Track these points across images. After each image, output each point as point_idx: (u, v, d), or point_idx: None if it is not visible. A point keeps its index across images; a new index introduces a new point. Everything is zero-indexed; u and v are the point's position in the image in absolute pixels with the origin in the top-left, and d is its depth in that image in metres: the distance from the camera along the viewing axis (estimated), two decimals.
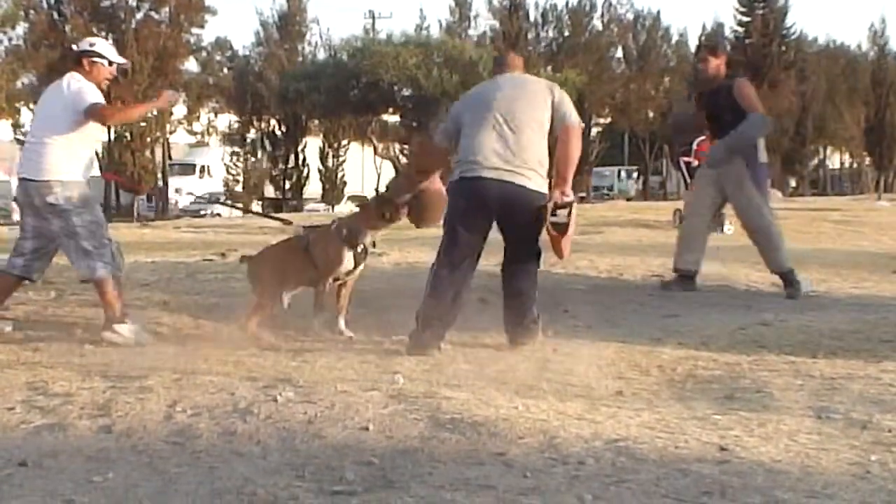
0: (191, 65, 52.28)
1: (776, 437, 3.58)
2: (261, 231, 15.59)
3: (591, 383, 4.68)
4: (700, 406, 4.14)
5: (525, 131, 5.47)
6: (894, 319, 6.21)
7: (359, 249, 5.88)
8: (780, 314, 6.61)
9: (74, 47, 6.18)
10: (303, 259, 5.93)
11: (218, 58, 56.74)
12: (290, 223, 6.77)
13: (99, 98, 5.86)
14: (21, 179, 5.91)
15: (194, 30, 49.49)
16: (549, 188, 5.55)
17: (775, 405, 4.14)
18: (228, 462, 3.30)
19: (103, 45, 6.14)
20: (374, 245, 6.09)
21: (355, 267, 5.92)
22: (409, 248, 10.46)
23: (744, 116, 7.59)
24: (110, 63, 6.08)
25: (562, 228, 5.48)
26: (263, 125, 54.51)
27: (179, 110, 53.53)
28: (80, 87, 5.83)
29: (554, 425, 3.65)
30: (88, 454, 3.41)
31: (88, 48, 6.04)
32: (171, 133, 52.20)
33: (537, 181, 5.47)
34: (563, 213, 5.47)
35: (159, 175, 47.86)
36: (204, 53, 54.18)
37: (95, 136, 6.01)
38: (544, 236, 5.52)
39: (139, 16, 46.82)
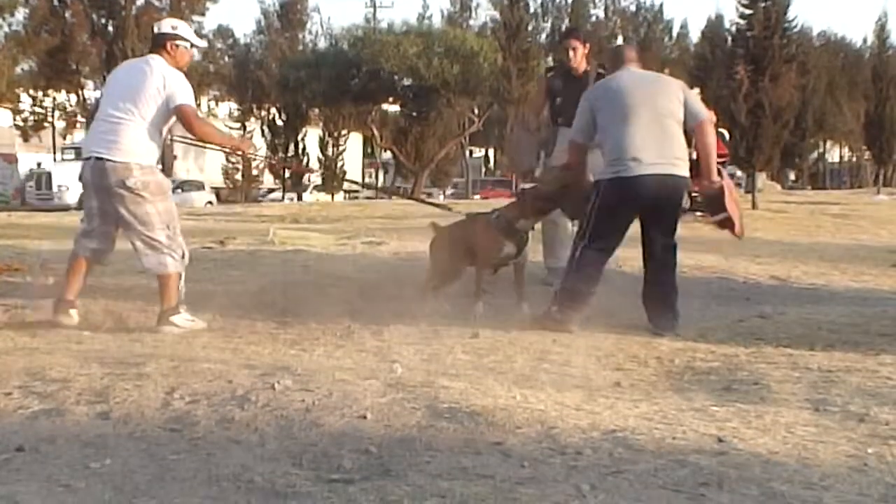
0: None
1: (774, 429, 3.58)
2: (260, 219, 15.60)
3: (590, 374, 4.68)
4: (698, 398, 4.14)
5: (670, 126, 5.75)
6: (892, 313, 6.21)
7: (519, 237, 6.18)
8: (778, 307, 6.61)
9: (156, 29, 6.01)
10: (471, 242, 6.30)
11: (219, 46, 56.72)
12: (450, 210, 7.08)
13: (192, 99, 5.76)
14: (94, 158, 5.69)
15: (195, 17, 49.42)
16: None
17: (773, 397, 4.15)
18: (226, 449, 3.29)
19: (185, 28, 5.97)
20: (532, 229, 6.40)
21: (518, 254, 6.21)
22: (408, 238, 10.46)
23: None
24: (191, 46, 5.94)
25: (721, 214, 5.97)
26: (264, 113, 54.44)
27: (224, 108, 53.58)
28: (178, 81, 5.67)
29: (552, 415, 3.65)
30: (86, 440, 3.41)
31: (172, 31, 5.86)
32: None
33: (684, 169, 5.80)
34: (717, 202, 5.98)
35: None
36: (205, 41, 54.08)
37: (166, 126, 5.81)
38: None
39: (140, 2, 46.75)
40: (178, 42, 5.83)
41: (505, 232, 6.12)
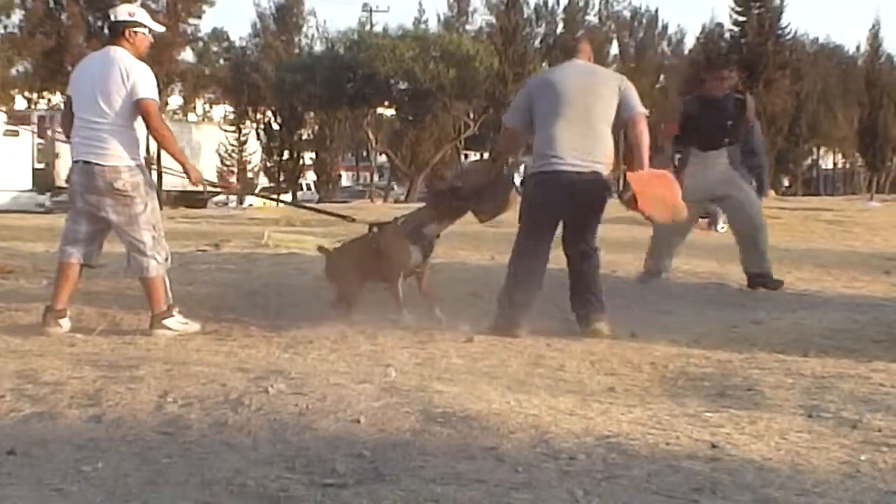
0: (187, 55, 52.22)
1: (767, 435, 3.58)
2: (254, 223, 15.59)
3: (584, 379, 4.68)
4: (692, 403, 4.14)
5: (600, 123, 5.81)
6: (885, 319, 6.22)
7: (425, 243, 6.06)
8: (772, 313, 6.62)
9: (112, 16, 5.92)
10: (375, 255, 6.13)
11: (214, 49, 56.66)
12: (353, 220, 6.92)
13: (155, 93, 5.71)
14: (82, 163, 5.67)
15: (191, 20, 49.37)
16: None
17: (766, 403, 4.15)
18: (219, 453, 3.29)
19: (142, 14, 5.91)
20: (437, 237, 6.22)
21: (424, 260, 6.09)
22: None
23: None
24: (150, 31, 5.87)
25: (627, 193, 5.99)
26: (259, 116, 54.46)
27: (175, 100, 53.46)
28: (140, 75, 5.61)
29: (546, 420, 3.65)
30: (78, 443, 3.40)
31: (129, 18, 5.79)
32: None
33: (606, 170, 5.86)
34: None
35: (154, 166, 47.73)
36: (200, 44, 54.08)
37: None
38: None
39: (137, 4, 46.72)
40: (136, 29, 5.77)
41: (412, 238, 6.01)
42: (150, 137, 5.93)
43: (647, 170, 5.90)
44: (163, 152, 6.24)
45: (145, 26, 5.82)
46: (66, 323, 5.77)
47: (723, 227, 13.67)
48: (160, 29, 6.09)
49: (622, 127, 5.92)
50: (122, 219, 5.66)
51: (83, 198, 5.72)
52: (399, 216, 6.28)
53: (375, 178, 56.56)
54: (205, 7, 49.17)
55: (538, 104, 5.87)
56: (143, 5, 46.16)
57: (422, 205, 6.35)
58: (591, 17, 57.98)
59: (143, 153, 5.83)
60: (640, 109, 5.94)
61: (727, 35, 46.99)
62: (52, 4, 46.65)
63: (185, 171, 6.00)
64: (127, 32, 5.74)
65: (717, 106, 7.73)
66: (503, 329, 5.67)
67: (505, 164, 6.21)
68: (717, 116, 7.69)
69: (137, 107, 5.61)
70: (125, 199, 5.63)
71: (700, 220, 14.05)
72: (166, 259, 5.78)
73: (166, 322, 5.70)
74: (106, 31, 6.02)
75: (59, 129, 6.28)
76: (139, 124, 5.72)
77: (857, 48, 62.23)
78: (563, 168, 5.72)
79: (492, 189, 6.04)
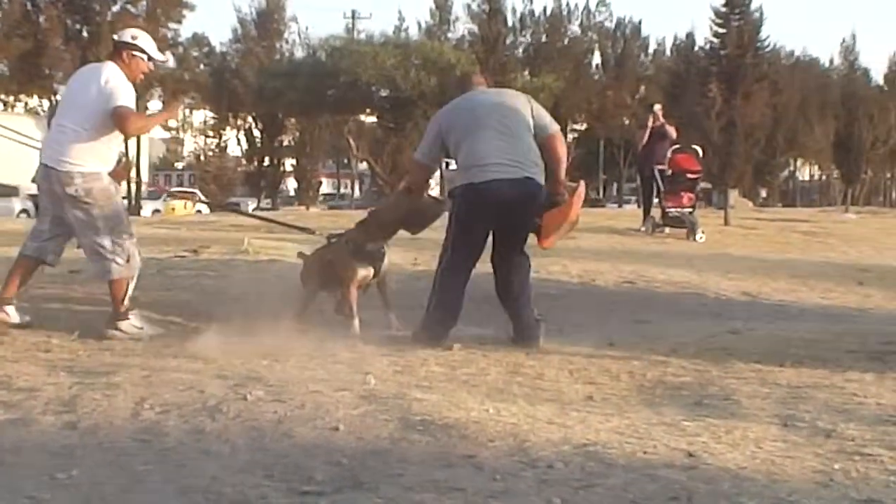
0: (167, 60, 52.02)
1: (743, 444, 3.60)
2: (234, 229, 15.52)
3: (562, 388, 4.69)
4: (669, 412, 4.16)
5: (522, 133, 5.76)
6: (859, 330, 6.27)
7: (372, 257, 6.09)
8: (748, 323, 6.66)
9: (116, 37, 6.09)
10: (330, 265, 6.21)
11: (195, 54, 56.45)
12: (312, 232, 6.97)
13: (130, 102, 5.76)
14: (43, 166, 5.79)
15: (171, 25, 49.16)
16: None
17: (742, 412, 4.17)
18: (196, 460, 3.28)
19: (145, 40, 5.99)
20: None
21: (376, 273, 6.12)
22: None
23: None
24: (149, 59, 5.99)
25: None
26: (240, 122, 54.32)
27: (154, 105, 53.22)
28: (116, 85, 5.71)
29: (524, 429, 3.66)
30: (53, 450, 3.38)
31: (130, 41, 5.92)
32: None
33: (540, 176, 5.77)
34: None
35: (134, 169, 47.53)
36: (181, 49, 53.86)
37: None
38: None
39: (115, 8, 46.47)
40: (134, 52, 5.91)
41: (357, 255, 6.06)
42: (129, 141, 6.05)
43: (563, 193, 5.87)
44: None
45: (145, 52, 5.94)
46: (11, 311, 5.85)
47: (701, 237, 13.76)
48: (161, 58, 6.25)
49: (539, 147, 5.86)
50: (80, 223, 5.75)
51: (48, 199, 5.85)
52: (348, 230, 6.33)
53: (356, 185, 56.52)
54: (185, 12, 48.99)
55: (452, 131, 5.84)
56: (123, 9, 46.29)
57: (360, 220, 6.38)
58: (574, 27, 58.18)
59: (111, 160, 5.87)
60: (555, 128, 5.92)
61: (707, 46, 47.41)
62: (29, 7, 46.33)
63: (169, 117, 6.18)
64: (125, 54, 5.89)
65: None
66: (426, 340, 5.62)
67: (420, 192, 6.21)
68: None
69: (113, 116, 5.67)
70: (80, 204, 5.71)
71: (679, 229, 14.20)
72: (129, 261, 5.81)
73: (120, 324, 5.77)
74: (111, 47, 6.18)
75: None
76: (113, 134, 5.78)
77: (831, 61, 62.77)
78: (495, 177, 5.63)
79: (415, 215, 6.10)
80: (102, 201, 5.73)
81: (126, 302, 5.81)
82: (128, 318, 5.79)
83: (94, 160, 5.73)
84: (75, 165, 5.68)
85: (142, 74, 5.95)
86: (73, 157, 5.67)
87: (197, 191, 47.82)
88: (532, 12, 56.81)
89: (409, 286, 6.64)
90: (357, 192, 54.51)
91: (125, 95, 5.73)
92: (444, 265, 5.84)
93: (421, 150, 6.06)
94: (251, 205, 47.76)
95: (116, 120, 5.67)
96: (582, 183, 6.06)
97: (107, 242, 5.72)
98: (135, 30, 6.23)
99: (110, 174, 5.84)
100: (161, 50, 6.35)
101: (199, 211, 38.42)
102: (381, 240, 6.17)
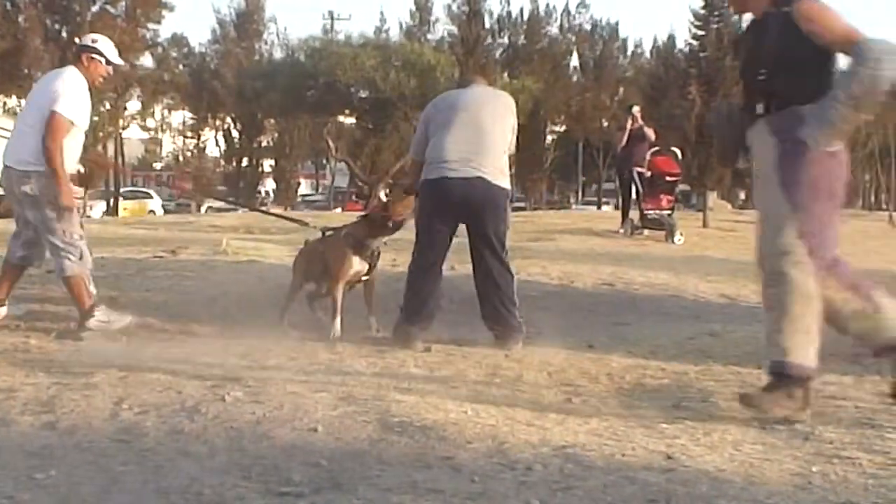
0: (146, 60, 51.80)
1: (721, 447, 3.62)
2: (213, 229, 15.48)
3: (541, 390, 4.70)
4: (647, 414, 4.17)
5: (492, 135, 5.74)
6: (834, 333, 6.28)
7: (367, 253, 6.03)
8: (727, 325, 6.68)
9: (77, 41, 6.28)
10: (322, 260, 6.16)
11: (174, 54, 56.28)
12: (306, 224, 6.97)
13: (69, 112, 5.81)
14: (4, 166, 5.98)
15: (151, 25, 48.93)
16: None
17: (721, 415, 4.19)
18: (174, 461, 3.27)
19: (105, 44, 6.13)
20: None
21: (369, 270, 6.08)
22: None
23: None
24: (108, 62, 6.12)
25: None
26: (219, 123, 54.17)
27: (133, 105, 53.06)
28: (66, 90, 5.84)
29: (503, 431, 3.67)
30: (31, 451, 3.36)
31: (90, 44, 6.08)
32: (123, 128, 51.64)
33: (501, 179, 5.73)
34: None
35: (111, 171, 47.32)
36: (160, 49, 53.66)
37: (81, 132, 5.98)
38: None
39: (95, 9, 46.24)
40: (94, 55, 6.06)
41: (355, 249, 6.02)
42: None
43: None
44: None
45: (104, 56, 6.09)
46: (3, 311, 6.09)
47: (680, 239, 13.81)
48: (120, 63, 6.32)
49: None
50: (37, 221, 5.89)
51: (13, 200, 6.01)
52: (347, 224, 6.28)
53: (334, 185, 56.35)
54: (164, 12, 48.81)
55: (430, 123, 5.87)
56: (102, 9, 46.07)
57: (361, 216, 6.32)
58: (553, 29, 58.31)
59: (70, 162, 5.93)
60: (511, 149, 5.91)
61: (686, 49, 47.58)
62: (8, 7, 46.06)
63: (59, 189, 5.88)
64: (84, 57, 6.05)
65: None
66: (400, 341, 5.63)
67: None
68: None
69: (48, 117, 5.77)
70: (36, 203, 5.84)
71: (658, 231, 14.25)
72: (81, 258, 5.89)
73: (87, 323, 5.87)
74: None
75: None
76: (70, 136, 5.87)
77: None
78: (448, 175, 5.65)
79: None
80: (54, 201, 5.82)
81: (89, 299, 5.89)
82: (94, 315, 5.87)
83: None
84: (30, 165, 5.80)
85: (101, 77, 6.11)
86: (30, 157, 5.79)
87: (151, 191, 47.40)
88: (509, 14, 56.94)
89: (388, 287, 6.63)
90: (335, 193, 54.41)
91: (67, 103, 5.82)
92: (411, 265, 5.90)
93: (413, 148, 6.07)
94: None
95: (50, 123, 5.75)
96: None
97: (58, 241, 5.84)
98: (95, 34, 6.45)
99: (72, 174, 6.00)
100: (139, 50, 6.46)
101: (151, 211, 38.24)
102: (383, 235, 6.11)
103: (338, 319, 5.87)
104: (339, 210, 37.00)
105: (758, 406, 4.00)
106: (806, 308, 4.01)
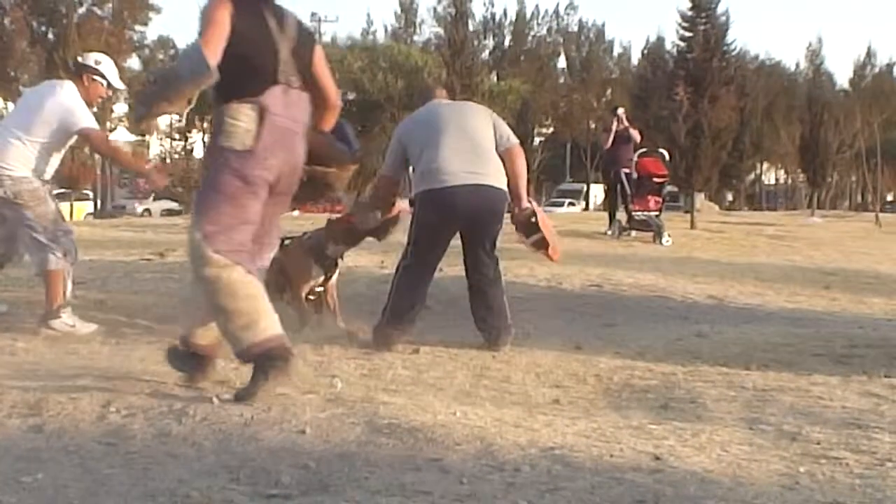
0: (133, 62, 51.68)
1: (709, 448, 3.62)
2: None
3: (529, 391, 4.70)
4: (635, 415, 4.18)
5: (482, 143, 5.76)
6: (824, 334, 6.32)
7: (327, 261, 6.05)
8: (715, 326, 6.70)
9: (80, 59, 6.28)
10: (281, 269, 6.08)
11: (161, 56, 56.14)
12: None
13: (93, 122, 5.96)
14: None
15: (137, 27, 48.93)
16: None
17: (709, 416, 4.20)
18: (162, 464, 3.26)
19: (108, 66, 6.17)
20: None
21: (327, 278, 6.10)
22: (349, 253, 10.40)
23: None
24: (109, 85, 6.16)
25: (536, 235, 5.86)
26: (206, 125, 53.96)
27: (120, 107, 52.83)
28: (75, 105, 5.89)
29: (491, 432, 3.67)
30: (17, 454, 3.35)
31: (93, 65, 6.11)
32: (111, 130, 51.40)
33: (501, 182, 5.75)
34: (531, 224, 5.87)
35: (98, 172, 47.12)
36: (147, 51, 53.58)
37: (65, 145, 6.05)
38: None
39: (81, 11, 46.14)
40: (95, 77, 6.10)
41: (314, 255, 6.04)
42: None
43: (527, 206, 5.90)
44: None
45: (105, 78, 6.13)
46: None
47: (668, 241, 13.84)
48: (121, 86, 6.37)
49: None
50: (15, 221, 5.94)
51: None
52: (307, 232, 6.28)
53: None
54: (151, 14, 48.79)
55: (411, 143, 5.85)
56: (89, 11, 45.98)
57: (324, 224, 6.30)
58: (540, 30, 58.41)
59: (44, 170, 6.00)
60: (515, 141, 5.91)
61: (674, 50, 47.70)
62: None
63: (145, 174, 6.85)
64: (85, 77, 6.09)
65: None
66: (380, 344, 5.61)
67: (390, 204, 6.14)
68: None
69: (84, 137, 5.98)
70: (13, 205, 5.88)
71: (646, 233, 14.29)
72: (66, 255, 5.95)
73: (51, 322, 5.89)
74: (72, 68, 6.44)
75: None
76: (53, 148, 5.96)
77: (797, 65, 63.34)
78: (450, 184, 5.64)
79: (384, 224, 6.07)
80: (32, 202, 5.88)
81: (62, 299, 5.93)
82: (60, 316, 5.91)
83: (23, 166, 5.87)
84: (4, 168, 5.84)
85: (99, 98, 6.17)
86: (5, 161, 5.82)
87: (90, 192, 46.86)
88: (493, 15, 57.01)
89: (375, 289, 6.63)
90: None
91: (87, 116, 5.93)
92: (402, 269, 5.84)
93: (386, 165, 6.06)
94: None
95: (87, 140, 6.02)
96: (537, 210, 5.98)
97: (43, 238, 5.88)
98: (99, 55, 6.38)
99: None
100: (127, 52, 6.52)
101: (90, 214, 37.97)
102: (344, 246, 6.13)
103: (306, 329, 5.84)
104: (295, 213, 36.39)
105: (256, 394, 3.97)
106: (237, 300, 4.05)
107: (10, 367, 4.68)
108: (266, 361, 3.99)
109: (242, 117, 4.07)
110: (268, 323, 4.06)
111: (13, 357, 5.15)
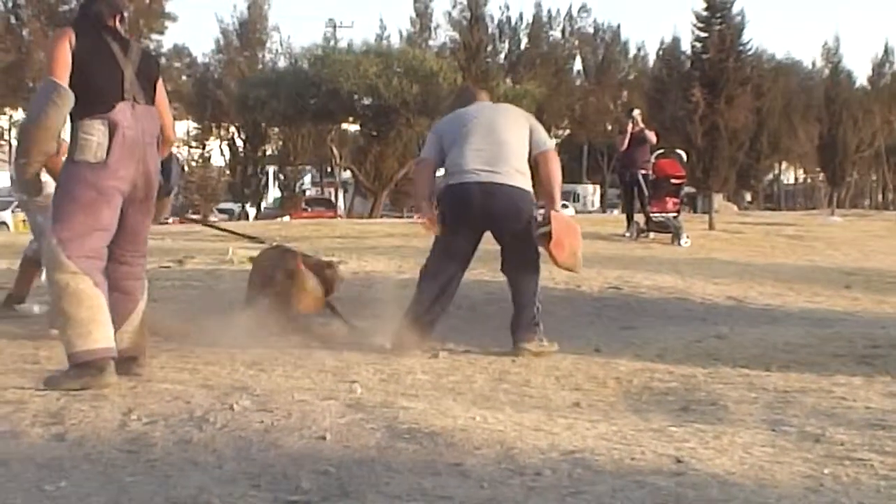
0: None
1: (731, 450, 3.61)
2: (219, 238, 15.48)
3: (549, 394, 4.69)
4: (656, 418, 4.17)
5: (509, 143, 5.75)
6: (846, 334, 6.29)
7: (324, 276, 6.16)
8: (734, 327, 6.68)
9: None
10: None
11: (177, 65, 56.40)
12: (262, 241, 7.01)
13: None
14: None
15: (154, 36, 49.09)
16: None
17: (730, 418, 4.18)
18: (183, 471, 3.27)
19: None
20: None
21: (328, 292, 6.19)
22: (367, 258, 10.44)
23: None
24: None
25: (544, 228, 5.77)
26: (223, 132, 54.24)
27: None
28: None
29: (511, 436, 3.66)
30: (40, 462, 3.36)
31: None
32: None
33: (522, 182, 5.73)
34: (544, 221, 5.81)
35: None
36: (163, 60, 53.75)
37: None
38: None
39: None
40: None
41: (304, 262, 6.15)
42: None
43: (562, 213, 5.96)
44: None
45: None
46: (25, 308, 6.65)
47: (686, 242, 13.80)
48: None
49: (533, 165, 5.86)
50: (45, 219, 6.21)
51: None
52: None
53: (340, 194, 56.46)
54: (167, 23, 48.99)
55: (446, 136, 5.89)
56: None
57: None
58: (555, 33, 58.42)
59: None
60: (550, 145, 5.95)
61: (689, 51, 47.62)
62: (13, 20, 46.22)
63: None
64: None
65: None
66: (396, 348, 5.62)
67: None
68: None
69: None
70: (34, 207, 6.13)
71: (664, 234, 14.24)
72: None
73: (17, 306, 6.53)
74: None
75: None
76: None
77: (814, 64, 63.07)
78: (471, 180, 5.66)
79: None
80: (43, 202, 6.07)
81: (28, 286, 6.47)
82: (24, 302, 6.42)
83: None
84: None
85: None
86: None
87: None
88: (509, 19, 57.02)
89: (393, 294, 6.62)
90: (341, 202, 54.23)
91: None
92: (423, 269, 5.88)
93: (423, 152, 6.10)
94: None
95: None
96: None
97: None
98: None
99: None
100: None
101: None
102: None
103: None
104: (286, 218, 36.31)
105: (59, 387, 4.32)
106: (80, 309, 4.40)
107: (32, 377, 4.70)
108: (85, 368, 4.38)
109: (94, 132, 4.44)
110: (100, 335, 4.42)
111: (36, 366, 5.17)
